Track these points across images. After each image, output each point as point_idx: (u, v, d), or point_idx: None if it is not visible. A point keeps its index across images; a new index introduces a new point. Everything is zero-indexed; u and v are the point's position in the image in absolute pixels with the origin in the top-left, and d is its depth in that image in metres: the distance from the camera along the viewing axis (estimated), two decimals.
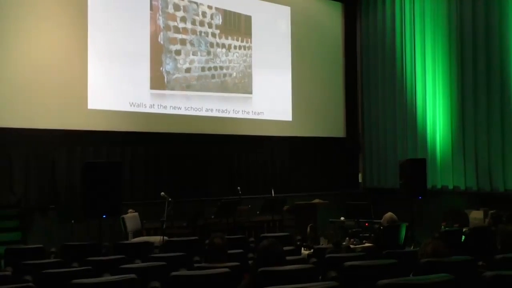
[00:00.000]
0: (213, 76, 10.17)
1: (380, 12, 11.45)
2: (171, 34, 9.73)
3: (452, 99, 9.72)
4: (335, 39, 11.94)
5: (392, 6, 11.17)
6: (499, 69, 8.94)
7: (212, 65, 10.18)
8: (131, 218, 8.01)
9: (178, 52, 9.77)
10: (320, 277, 4.02)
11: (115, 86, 9.02)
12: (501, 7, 8.92)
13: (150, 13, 9.47)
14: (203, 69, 10.08)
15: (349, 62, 12.02)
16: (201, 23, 10.10)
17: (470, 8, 9.37)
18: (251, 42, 10.66)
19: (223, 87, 10.28)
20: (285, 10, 11.19)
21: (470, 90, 9.38)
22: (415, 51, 10.58)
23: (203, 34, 10.09)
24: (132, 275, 3.50)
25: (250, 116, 10.52)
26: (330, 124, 11.70)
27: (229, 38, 10.41)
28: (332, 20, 11.96)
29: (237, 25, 10.56)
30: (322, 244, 6.16)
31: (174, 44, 9.73)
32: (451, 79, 9.75)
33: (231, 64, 10.43)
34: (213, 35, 10.21)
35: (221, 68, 10.29)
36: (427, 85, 10.32)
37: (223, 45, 10.33)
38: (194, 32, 10.00)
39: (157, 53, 9.51)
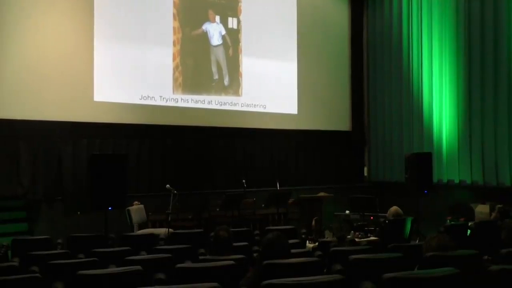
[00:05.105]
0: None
1: (387, 4, 11.34)
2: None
3: (459, 93, 9.65)
4: (342, 31, 11.85)
5: None
6: (506, 62, 8.85)
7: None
8: (136, 210, 8.05)
9: None
10: (325, 270, 4.02)
11: (120, 78, 9.03)
12: None
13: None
14: None
15: (355, 55, 11.93)
16: None
17: (479, 0, 9.28)
18: (256, 34, 10.59)
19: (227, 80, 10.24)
20: (291, 2, 11.11)
21: (477, 84, 9.30)
22: (422, 43, 10.49)
23: None
24: (138, 267, 3.52)
25: (256, 109, 10.48)
26: (336, 117, 11.64)
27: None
28: (339, 12, 11.86)
29: None
30: (327, 238, 6.16)
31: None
32: (458, 72, 9.67)
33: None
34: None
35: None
36: (434, 78, 10.24)
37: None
38: None
39: (161, 46, 9.46)
